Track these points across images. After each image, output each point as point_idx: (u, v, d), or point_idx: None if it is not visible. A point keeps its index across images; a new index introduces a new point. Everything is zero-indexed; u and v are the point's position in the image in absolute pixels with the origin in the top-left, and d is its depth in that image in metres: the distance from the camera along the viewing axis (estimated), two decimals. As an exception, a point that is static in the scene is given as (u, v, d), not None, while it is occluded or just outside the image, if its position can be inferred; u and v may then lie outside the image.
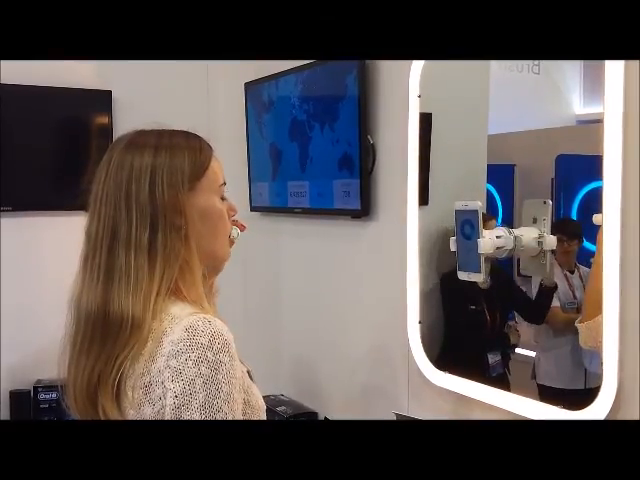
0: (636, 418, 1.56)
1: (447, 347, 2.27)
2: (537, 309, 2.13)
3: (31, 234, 3.23)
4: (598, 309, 1.62)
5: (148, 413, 1.16)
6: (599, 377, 1.65)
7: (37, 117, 3.18)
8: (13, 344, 3.13)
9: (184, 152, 1.26)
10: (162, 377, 1.14)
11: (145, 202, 1.22)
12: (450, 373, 2.14)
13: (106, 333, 1.19)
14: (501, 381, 2.17)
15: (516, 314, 2.28)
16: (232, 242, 1.35)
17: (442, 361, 2.21)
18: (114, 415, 1.18)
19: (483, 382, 2.05)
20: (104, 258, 1.22)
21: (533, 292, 2.13)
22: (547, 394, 2.02)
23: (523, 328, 2.25)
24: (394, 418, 2.13)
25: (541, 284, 2.07)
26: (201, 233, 1.26)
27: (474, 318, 2.23)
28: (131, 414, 1.18)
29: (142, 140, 1.27)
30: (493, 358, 2.18)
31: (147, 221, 1.21)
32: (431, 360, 2.20)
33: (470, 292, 2.11)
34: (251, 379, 1.29)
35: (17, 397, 3.11)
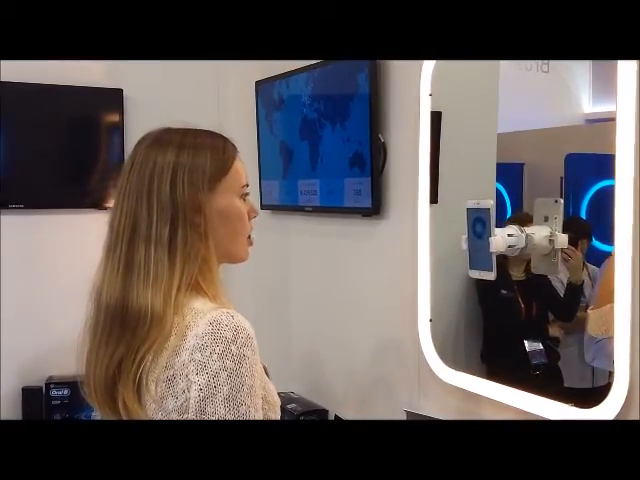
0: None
1: (486, 335, 2.28)
2: (566, 307, 2.12)
3: (43, 231, 3.24)
4: (609, 299, 1.63)
5: (171, 406, 1.18)
6: (606, 377, 1.65)
7: (48, 115, 3.18)
8: (25, 341, 3.15)
9: (207, 152, 1.28)
10: (186, 370, 1.16)
11: (166, 199, 1.24)
12: (489, 360, 2.14)
13: (125, 325, 1.21)
14: (545, 374, 2.14)
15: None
16: (251, 243, 1.36)
17: (484, 348, 2.22)
18: (134, 408, 1.20)
19: (522, 371, 2.05)
20: (124, 251, 1.24)
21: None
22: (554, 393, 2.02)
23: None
24: (404, 416, 2.14)
25: (569, 282, 2.07)
26: (220, 233, 1.28)
27: (506, 304, 2.23)
28: (153, 407, 1.19)
29: (167, 138, 1.29)
30: (532, 346, 2.15)
31: (167, 217, 1.23)
32: (446, 355, 2.20)
33: (502, 278, 2.09)
34: (267, 375, 1.30)
35: (29, 394, 3.13)
